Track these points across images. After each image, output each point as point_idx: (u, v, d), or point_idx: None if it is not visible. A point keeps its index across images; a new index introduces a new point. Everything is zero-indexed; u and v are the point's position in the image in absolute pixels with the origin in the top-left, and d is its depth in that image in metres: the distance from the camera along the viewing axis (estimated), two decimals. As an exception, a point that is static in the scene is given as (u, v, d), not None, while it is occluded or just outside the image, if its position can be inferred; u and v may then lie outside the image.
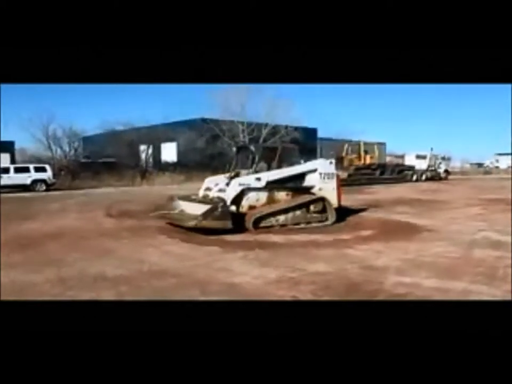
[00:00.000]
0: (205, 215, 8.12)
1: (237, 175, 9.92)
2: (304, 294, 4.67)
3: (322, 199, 9.80)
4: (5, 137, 35.44)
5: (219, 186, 9.51)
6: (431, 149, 34.26)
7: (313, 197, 9.78)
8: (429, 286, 4.89)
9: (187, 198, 10.00)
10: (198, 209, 8.80)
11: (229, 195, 8.92)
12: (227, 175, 10.06)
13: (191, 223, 8.19)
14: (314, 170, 10.13)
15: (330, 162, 10.56)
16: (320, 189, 10.02)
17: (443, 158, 35.68)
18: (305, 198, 9.73)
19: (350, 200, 15.92)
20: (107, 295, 4.67)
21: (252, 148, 10.65)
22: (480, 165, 62.13)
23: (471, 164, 64.69)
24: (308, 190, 10.00)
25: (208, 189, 9.79)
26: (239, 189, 9.07)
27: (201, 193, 9.89)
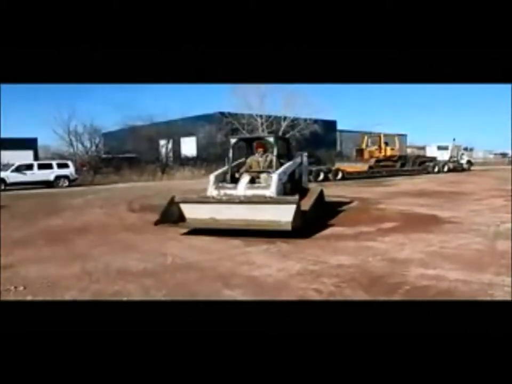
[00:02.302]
0: (296, 216, 7.23)
1: (238, 169, 9.41)
2: (327, 286, 4.69)
3: (321, 192, 9.65)
4: (28, 134, 36.27)
5: (243, 182, 8.59)
6: (453, 140, 33.79)
7: (317, 191, 9.60)
8: (453, 278, 4.86)
9: (202, 200, 8.44)
10: (248, 212, 7.60)
11: (276, 191, 8.22)
12: (223, 169, 9.43)
13: (290, 226, 7.02)
14: (301, 164, 10.06)
15: (306, 155, 10.58)
16: (303, 182, 9.96)
17: (465, 149, 35.14)
18: (313, 192, 9.52)
19: (371, 192, 15.86)
20: (131, 288, 4.77)
21: (271, 139, 9.87)
22: (504, 155, 60.85)
23: (494, 154, 63.46)
24: (300, 183, 9.88)
25: (221, 187, 8.70)
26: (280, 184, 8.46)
27: (214, 192, 8.58)
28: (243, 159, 9.87)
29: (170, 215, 8.21)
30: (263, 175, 8.93)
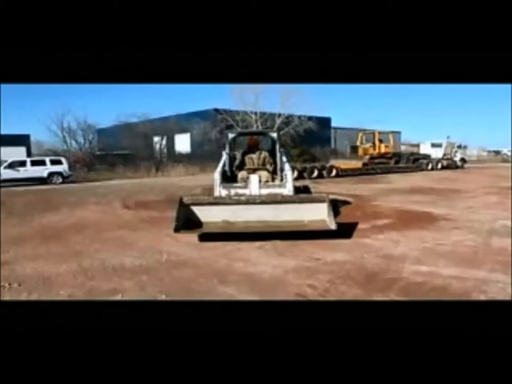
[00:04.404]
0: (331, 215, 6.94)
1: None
2: (322, 283, 4.70)
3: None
4: (21, 131, 36.10)
5: (255, 181, 8.10)
6: (447, 137, 33.93)
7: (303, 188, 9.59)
8: (447, 275, 4.88)
9: (219, 201, 7.47)
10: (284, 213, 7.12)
11: (293, 190, 8.00)
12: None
13: (334, 225, 6.67)
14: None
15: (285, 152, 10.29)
16: None
17: (459, 146, 35.28)
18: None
19: (365, 189, 15.90)
20: (127, 285, 4.77)
21: (274, 134, 9.36)
22: (497, 152, 61.16)
23: (488, 151, 63.71)
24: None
25: (230, 186, 8.13)
26: None
27: (223, 192, 7.97)
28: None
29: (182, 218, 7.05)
30: (263, 173, 8.64)
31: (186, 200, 7.28)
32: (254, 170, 8.70)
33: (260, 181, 8.28)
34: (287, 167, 8.51)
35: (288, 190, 7.89)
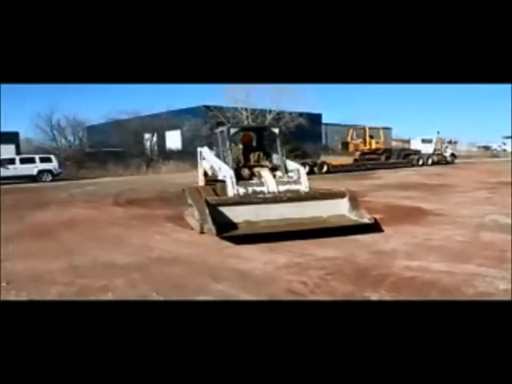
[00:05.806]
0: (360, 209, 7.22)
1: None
2: (313, 279, 4.73)
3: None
4: (10, 128, 35.66)
5: (269, 178, 7.95)
6: (438, 133, 34.16)
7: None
8: (437, 270, 4.93)
9: (246, 201, 7.19)
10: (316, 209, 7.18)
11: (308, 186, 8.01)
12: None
13: (366, 218, 6.94)
14: None
15: None
16: None
17: (449, 142, 35.53)
18: None
19: (356, 185, 15.95)
20: (118, 282, 4.75)
21: (276, 130, 9.07)
22: (487, 148, 61.59)
23: (478, 147, 64.10)
24: None
25: (246, 184, 7.85)
26: None
27: (241, 190, 7.61)
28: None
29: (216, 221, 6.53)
30: (264, 170, 8.35)
31: (212, 200, 6.99)
32: (251, 168, 8.54)
33: (251, 178, 8.18)
34: (292, 163, 8.51)
35: (304, 186, 7.87)
